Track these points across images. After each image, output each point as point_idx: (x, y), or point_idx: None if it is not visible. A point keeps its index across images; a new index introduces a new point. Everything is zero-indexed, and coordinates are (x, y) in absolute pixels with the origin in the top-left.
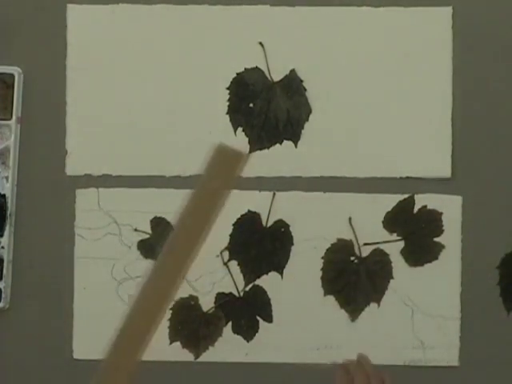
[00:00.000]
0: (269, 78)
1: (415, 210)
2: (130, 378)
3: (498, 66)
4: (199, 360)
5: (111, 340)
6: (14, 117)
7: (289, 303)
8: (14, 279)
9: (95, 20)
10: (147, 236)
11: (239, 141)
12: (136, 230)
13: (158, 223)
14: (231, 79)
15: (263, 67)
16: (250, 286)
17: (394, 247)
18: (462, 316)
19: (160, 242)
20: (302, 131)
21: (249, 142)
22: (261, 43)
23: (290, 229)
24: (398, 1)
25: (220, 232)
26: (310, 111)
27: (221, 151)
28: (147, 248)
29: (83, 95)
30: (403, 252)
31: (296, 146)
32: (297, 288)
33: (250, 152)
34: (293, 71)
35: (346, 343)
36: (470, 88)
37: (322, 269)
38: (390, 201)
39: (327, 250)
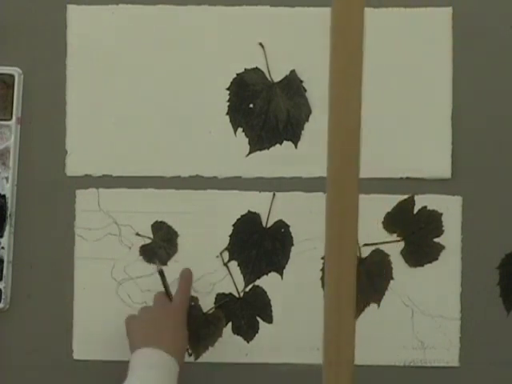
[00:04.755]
0: (269, 78)
1: (415, 210)
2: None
3: (497, 65)
4: (199, 360)
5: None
6: (14, 117)
7: (289, 303)
8: (14, 279)
9: (95, 20)
10: (149, 241)
11: (239, 141)
12: (138, 234)
13: (159, 227)
14: (231, 80)
15: (263, 68)
16: (250, 286)
17: (394, 248)
18: (462, 316)
19: (161, 246)
20: (302, 131)
21: (249, 143)
22: (261, 43)
23: (290, 229)
24: (398, 1)
25: (220, 232)
26: (309, 111)
27: None
28: (150, 253)
29: (83, 95)
30: (403, 252)
31: (296, 147)
32: (297, 288)
33: (250, 152)
34: (293, 72)
35: None
36: (469, 88)
37: (322, 269)
38: (390, 201)
39: None
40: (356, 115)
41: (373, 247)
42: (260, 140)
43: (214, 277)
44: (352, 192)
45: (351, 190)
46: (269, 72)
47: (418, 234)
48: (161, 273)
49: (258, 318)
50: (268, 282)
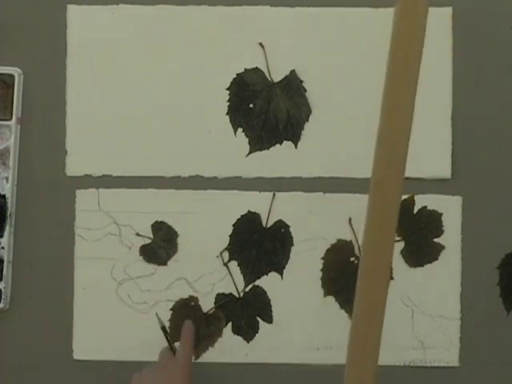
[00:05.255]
0: (269, 78)
1: (415, 210)
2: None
3: (497, 65)
4: (199, 360)
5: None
6: (14, 117)
7: (289, 303)
8: (14, 279)
9: (95, 20)
10: (149, 241)
11: (239, 141)
12: (138, 234)
13: (159, 228)
14: (231, 80)
15: (263, 68)
16: (250, 286)
17: (394, 248)
18: (462, 316)
19: (161, 246)
20: (302, 131)
21: (249, 143)
22: (261, 43)
23: (290, 229)
24: None
25: (220, 232)
26: (309, 111)
27: None
28: (150, 253)
29: (83, 95)
30: (403, 252)
31: (296, 147)
32: (297, 288)
33: (250, 152)
34: (293, 72)
35: (346, 343)
36: (469, 88)
37: (322, 269)
38: None
39: (327, 250)
40: (408, 119)
41: None
42: (260, 140)
43: (214, 277)
44: (395, 194)
45: (395, 192)
46: (269, 72)
47: (418, 233)
48: (163, 329)
49: (258, 318)
50: (268, 282)
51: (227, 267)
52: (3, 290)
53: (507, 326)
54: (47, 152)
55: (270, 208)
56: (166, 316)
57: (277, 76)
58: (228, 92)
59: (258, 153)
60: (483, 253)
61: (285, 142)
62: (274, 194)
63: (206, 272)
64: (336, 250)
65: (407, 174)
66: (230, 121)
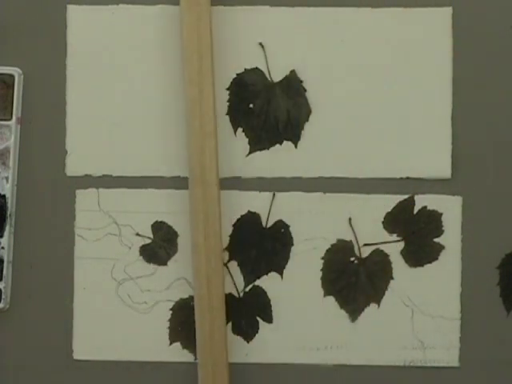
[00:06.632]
0: (269, 78)
1: (415, 210)
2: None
3: (497, 66)
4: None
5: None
6: (14, 117)
7: (289, 303)
8: (14, 279)
9: (95, 20)
10: (149, 241)
11: (239, 141)
12: (138, 234)
13: (159, 228)
14: (231, 80)
15: (263, 68)
16: (250, 286)
17: (394, 248)
18: (462, 316)
19: (161, 246)
20: (302, 131)
21: (249, 143)
22: (261, 44)
23: (290, 229)
24: (398, 1)
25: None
26: (310, 111)
27: None
28: (150, 253)
29: (83, 95)
30: (403, 252)
31: (296, 147)
32: (297, 288)
33: (250, 152)
34: (293, 72)
35: (346, 343)
36: (469, 88)
37: (322, 269)
38: (390, 201)
39: (327, 250)
40: (210, 117)
41: (373, 247)
42: (260, 140)
43: None
44: (213, 192)
45: (212, 189)
46: (269, 72)
47: (417, 233)
48: None
49: (258, 318)
50: (268, 282)
51: (227, 267)
52: (3, 290)
53: (507, 326)
54: (47, 152)
55: (270, 208)
56: (166, 316)
57: (277, 76)
58: (228, 92)
59: (258, 153)
60: (483, 253)
61: (285, 141)
62: (273, 194)
63: None
64: (336, 250)
65: (407, 173)
66: (230, 121)
